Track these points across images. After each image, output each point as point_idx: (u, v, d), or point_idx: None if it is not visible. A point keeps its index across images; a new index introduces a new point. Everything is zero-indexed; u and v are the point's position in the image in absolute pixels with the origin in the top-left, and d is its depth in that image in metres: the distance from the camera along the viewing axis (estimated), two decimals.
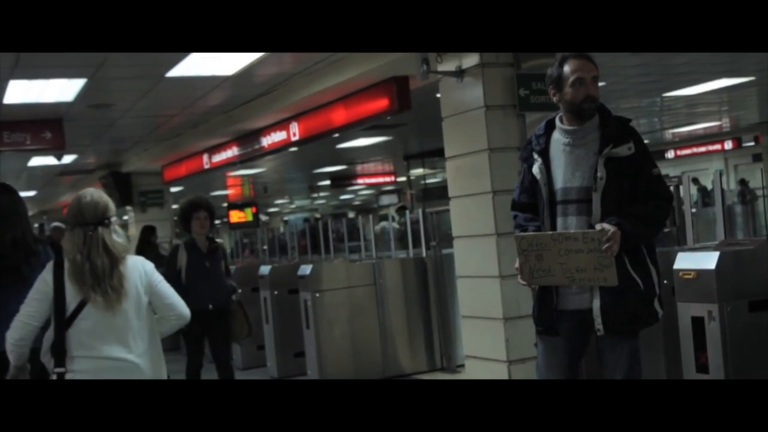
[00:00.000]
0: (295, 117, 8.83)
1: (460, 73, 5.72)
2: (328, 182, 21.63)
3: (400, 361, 7.48)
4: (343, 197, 32.25)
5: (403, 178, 20.86)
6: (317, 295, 7.22)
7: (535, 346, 5.57)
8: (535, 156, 3.26)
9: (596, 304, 3.10)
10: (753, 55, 8.69)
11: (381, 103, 7.31)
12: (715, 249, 4.10)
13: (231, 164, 11.09)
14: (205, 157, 11.40)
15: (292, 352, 7.72)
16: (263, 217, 29.48)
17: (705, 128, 18.34)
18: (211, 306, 5.70)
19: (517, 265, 3.21)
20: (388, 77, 7.05)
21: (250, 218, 21.86)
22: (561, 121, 3.27)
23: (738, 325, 3.83)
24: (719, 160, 21.24)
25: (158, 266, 3.41)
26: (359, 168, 19.96)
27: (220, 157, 11.06)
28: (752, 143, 19.73)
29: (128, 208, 13.85)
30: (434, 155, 15.17)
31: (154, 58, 6.52)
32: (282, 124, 9.15)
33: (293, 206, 35.29)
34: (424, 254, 7.66)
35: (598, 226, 3.06)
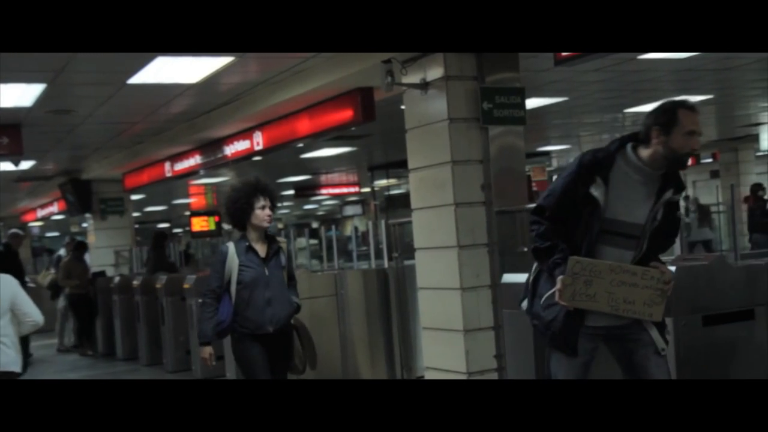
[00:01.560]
0: (259, 126, 8.79)
1: (424, 86, 5.75)
2: (291, 192, 21.56)
3: (360, 372, 7.46)
4: (307, 207, 32.18)
5: (368, 189, 20.87)
6: None
7: (495, 357, 5.64)
8: (598, 179, 3.19)
9: (653, 329, 3.27)
10: (711, 73, 8.85)
11: (345, 114, 7.31)
12: (671, 264, 4.16)
13: (194, 173, 11.00)
14: (168, 165, 11.29)
15: None
16: (226, 226, 29.24)
17: None
18: (271, 329, 4.56)
19: (559, 285, 3.20)
20: (353, 88, 7.06)
21: (212, 227, 21.76)
22: (636, 154, 3.24)
23: (691, 339, 3.90)
24: None
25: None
26: (323, 178, 19.94)
27: (182, 166, 10.96)
28: (710, 160, 20.09)
29: (88, 215, 13.66)
30: (399, 166, 15.21)
31: (116, 65, 6.45)
32: (246, 134, 9.11)
33: None
34: (386, 265, 7.67)
35: (654, 265, 3.23)
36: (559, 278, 3.20)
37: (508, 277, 4.90)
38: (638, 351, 3.29)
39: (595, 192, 3.18)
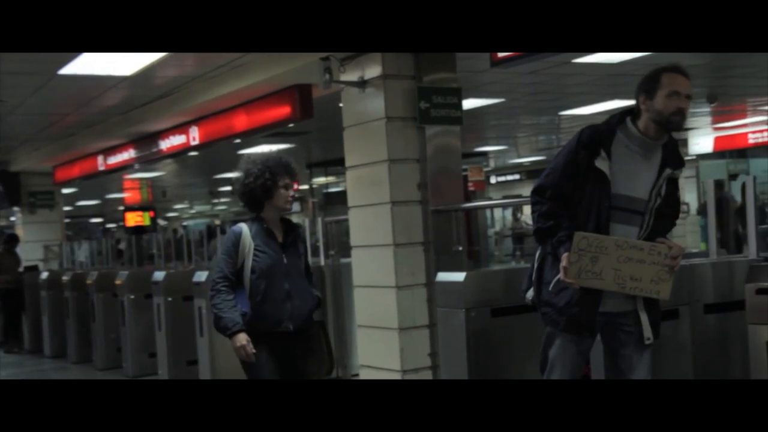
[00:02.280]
0: (195, 121, 8.68)
1: (362, 84, 5.75)
2: (229, 188, 21.34)
3: None
4: None
5: (306, 186, 20.80)
6: None
7: (429, 355, 5.68)
8: (603, 152, 3.14)
9: (644, 316, 3.21)
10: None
11: (283, 111, 7.27)
12: None
13: (128, 167, 10.80)
14: (100, 158, 11.06)
15: (185, 360, 7.56)
16: (161, 222, 28.83)
17: None
18: (291, 326, 3.91)
19: (564, 262, 3.12)
20: (291, 85, 7.03)
21: (147, 222, 21.45)
22: (636, 126, 3.22)
23: None
24: None
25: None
26: None
27: (115, 159, 10.75)
28: None
29: (16, 209, 13.28)
30: (337, 164, 15.19)
31: (46, 55, 6.29)
32: (181, 128, 8.98)
33: (193, 211, 34.65)
34: (322, 263, 7.65)
35: (661, 241, 3.16)
36: (564, 255, 3.11)
37: (443, 276, 4.94)
38: (629, 345, 3.26)
39: (601, 165, 3.13)
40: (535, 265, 3.35)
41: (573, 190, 3.18)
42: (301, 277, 4.01)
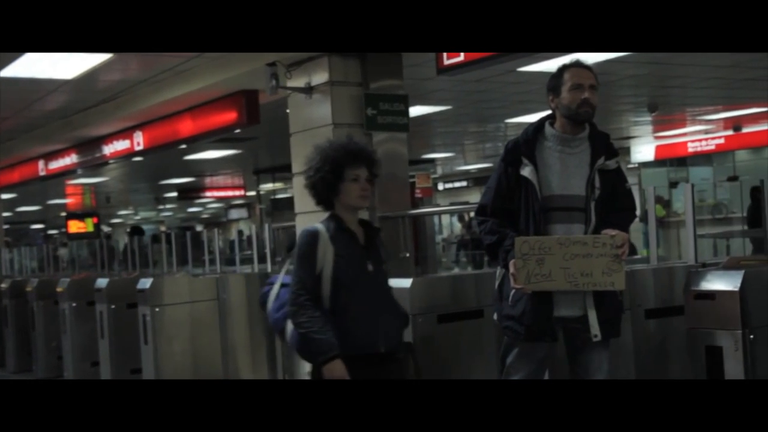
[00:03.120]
0: (140, 126, 8.57)
1: (309, 90, 5.75)
2: (175, 194, 21.08)
3: (241, 377, 7.35)
4: (191, 210, 31.52)
5: (253, 193, 20.66)
6: (157, 309, 6.98)
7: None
8: (525, 160, 3.21)
9: (592, 313, 3.20)
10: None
11: (229, 116, 7.22)
12: None
13: (70, 172, 10.59)
14: (41, 163, 10.84)
15: (129, 369, 7.43)
16: (105, 228, 28.32)
17: None
18: (383, 348, 3.21)
19: (512, 269, 3.14)
20: (237, 90, 6.98)
21: (91, 229, 21.04)
22: (553, 127, 3.30)
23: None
24: None
25: None
26: (208, 180, 19.59)
27: (57, 164, 10.54)
28: None
29: None
30: (285, 170, 15.12)
31: None
32: (125, 133, 8.85)
33: (138, 217, 34.11)
34: (269, 269, 7.60)
35: (606, 232, 3.15)
36: (511, 262, 3.14)
37: (390, 282, 4.94)
38: (585, 349, 3.28)
39: (524, 172, 3.20)
40: (496, 284, 3.40)
41: (511, 203, 3.26)
42: (387, 288, 3.37)
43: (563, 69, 3.31)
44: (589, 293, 3.21)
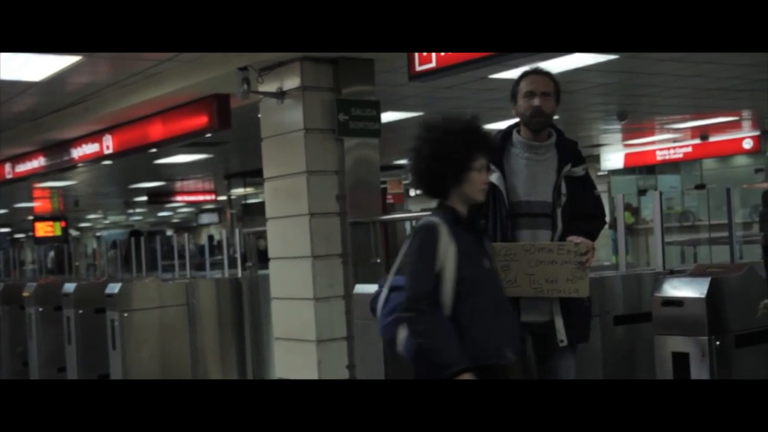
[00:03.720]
0: (109, 129, 8.47)
1: (280, 95, 5.73)
2: (145, 198, 20.88)
3: None
4: (161, 214, 31.25)
5: (224, 197, 20.53)
6: (125, 314, 6.92)
7: (348, 368, 5.66)
8: (492, 166, 3.19)
9: (558, 319, 3.21)
10: None
11: (200, 120, 7.17)
12: None
13: (37, 175, 10.45)
14: (8, 166, 10.68)
15: (96, 374, 7.35)
16: (73, 232, 27.98)
17: None
18: (511, 356, 2.91)
19: None
20: (209, 94, 6.94)
21: (58, 232, 20.77)
22: (520, 134, 3.35)
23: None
24: None
25: None
26: (178, 185, 19.44)
27: (24, 167, 10.39)
28: None
29: None
30: (256, 175, 15.04)
31: None
32: (95, 136, 8.75)
33: (107, 221, 33.76)
34: (239, 274, 7.56)
35: (571, 239, 3.16)
36: None
37: (361, 288, 4.94)
38: (552, 354, 3.30)
39: (492, 178, 3.19)
40: None
41: (482, 214, 3.25)
42: (503, 287, 3.05)
43: (521, 76, 3.37)
44: (555, 299, 3.23)
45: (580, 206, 3.32)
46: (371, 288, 4.59)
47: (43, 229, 20.66)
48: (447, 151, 2.80)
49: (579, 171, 3.32)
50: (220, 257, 8.92)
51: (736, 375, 3.43)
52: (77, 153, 9.18)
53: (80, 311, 7.44)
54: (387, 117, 8.75)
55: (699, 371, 3.38)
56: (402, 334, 2.85)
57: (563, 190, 3.27)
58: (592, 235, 3.28)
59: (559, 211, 3.27)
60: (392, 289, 2.97)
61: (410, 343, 2.82)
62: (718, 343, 3.37)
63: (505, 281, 3.12)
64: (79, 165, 9.45)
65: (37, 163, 10.08)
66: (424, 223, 2.88)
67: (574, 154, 3.36)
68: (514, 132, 3.38)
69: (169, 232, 27.55)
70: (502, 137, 3.36)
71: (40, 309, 8.08)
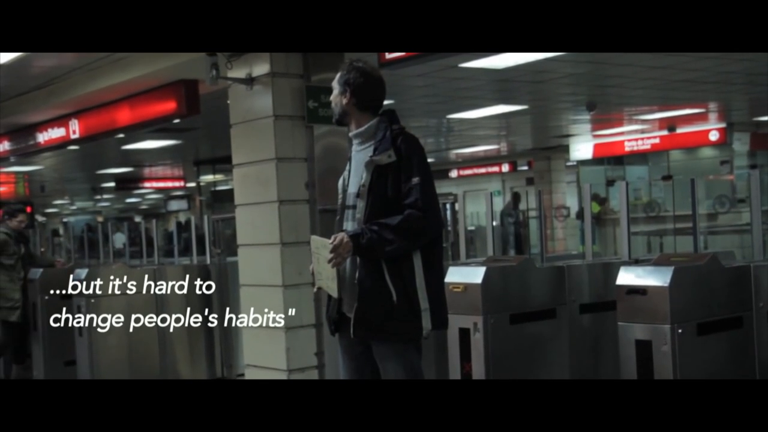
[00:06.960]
0: (76, 114, 8.36)
1: (250, 81, 5.69)
2: (112, 184, 20.66)
3: (179, 370, 7.27)
4: (129, 200, 30.96)
5: (193, 184, 20.38)
6: (92, 301, 6.86)
7: (316, 354, 5.68)
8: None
9: (351, 312, 3.12)
10: (527, 84, 9.36)
11: (168, 106, 7.11)
12: (482, 264, 4.36)
13: (2, 160, 10.29)
14: None
15: (63, 361, 7.29)
16: (40, 218, 27.62)
17: (485, 151, 19.52)
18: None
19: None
20: (177, 80, 6.87)
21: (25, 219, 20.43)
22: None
23: (500, 336, 4.10)
24: (497, 182, 22.65)
25: None
26: (147, 171, 19.26)
27: None
28: (526, 167, 21.23)
29: None
30: (225, 161, 14.93)
31: None
32: (60, 121, 8.63)
33: (74, 207, 33.38)
34: (208, 261, 7.52)
35: (335, 236, 3.06)
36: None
37: None
38: (375, 349, 3.18)
39: (345, 173, 3.34)
40: None
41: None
42: None
43: None
44: (354, 292, 3.11)
45: (395, 196, 3.10)
46: None
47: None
48: None
49: (383, 158, 3.12)
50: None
51: (697, 363, 3.50)
52: (43, 137, 9.05)
53: (46, 297, 7.35)
54: None
55: (661, 359, 3.44)
56: None
57: (363, 180, 3.14)
58: (395, 230, 3.02)
59: (360, 202, 3.15)
60: None
61: None
62: (680, 331, 3.43)
63: (316, 273, 3.19)
64: (45, 150, 9.31)
65: (2, 147, 9.92)
66: None
67: (384, 143, 3.17)
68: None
69: (137, 219, 27.31)
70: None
71: None
